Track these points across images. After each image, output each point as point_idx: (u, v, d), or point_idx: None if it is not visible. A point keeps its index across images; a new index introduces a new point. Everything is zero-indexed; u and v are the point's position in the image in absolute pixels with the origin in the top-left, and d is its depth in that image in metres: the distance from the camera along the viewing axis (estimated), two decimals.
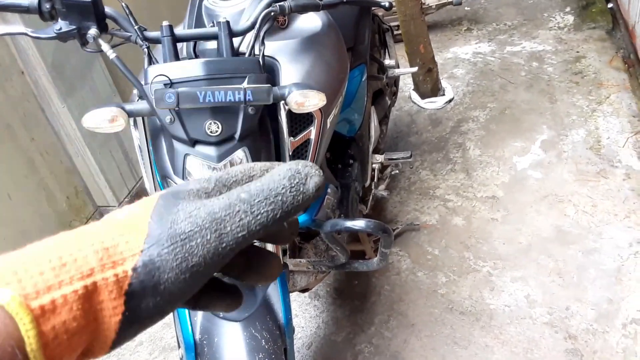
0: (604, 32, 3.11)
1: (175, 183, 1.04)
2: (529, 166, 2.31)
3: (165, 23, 1.08)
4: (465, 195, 2.23)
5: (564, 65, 2.93)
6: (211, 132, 1.00)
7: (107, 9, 1.09)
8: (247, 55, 1.10)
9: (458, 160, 2.44)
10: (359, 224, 1.20)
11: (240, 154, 1.03)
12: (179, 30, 1.11)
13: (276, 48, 1.21)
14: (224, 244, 0.32)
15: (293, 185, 0.33)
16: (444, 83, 2.94)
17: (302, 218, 1.23)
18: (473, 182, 2.29)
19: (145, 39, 1.09)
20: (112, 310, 0.30)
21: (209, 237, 0.31)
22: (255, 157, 1.05)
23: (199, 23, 1.28)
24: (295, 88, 1.05)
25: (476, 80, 2.98)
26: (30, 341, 0.26)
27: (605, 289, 1.74)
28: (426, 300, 1.84)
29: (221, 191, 0.35)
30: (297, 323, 1.86)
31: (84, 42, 1.08)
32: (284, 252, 1.49)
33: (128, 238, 0.31)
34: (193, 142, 1.01)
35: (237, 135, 1.01)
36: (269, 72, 1.15)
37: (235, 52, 1.12)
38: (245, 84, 1.00)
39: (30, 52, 1.92)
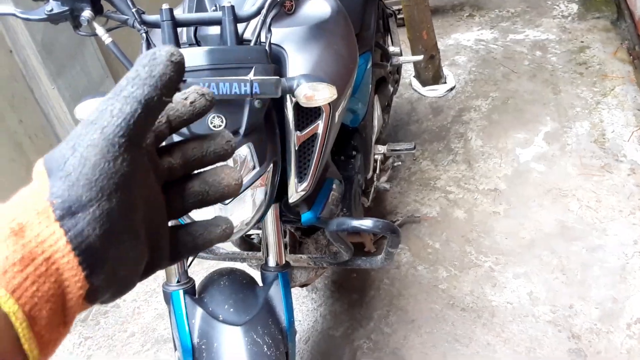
0: (609, 22, 3.04)
1: None
2: (532, 158, 2.26)
3: (165, 6, 1.00)
4: (467, 187, 2.19)
5: (567, 55, 2.87)
6: (214, 126, 0.93)
7: None
8: (252, 43, 1.03)
9: (459, 151, 2.38)
10: (366, 223, 1.15)
11: (244, 150, 0.96)
12: (180, 14, 1.03)
13: (283, 35, 1.14)
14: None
15: (147, 64, 0.33)
16: (446, 71, 2.87)
17: (306, 216, 1.18)
18: (475, 174, 2.24)
19: (144, 22, 1.02)
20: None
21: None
22: (260, 153, 0.99)
23: (200, 6, 1.20)
24: (305, 80, 0.98)
25: (478, 69, 2.91)
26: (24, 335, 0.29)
27: (609, 288, 1.71)
28: (427, 296, 1.80)
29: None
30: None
31: (76, 25, 1.01)
32: (285, 247, 1.44)
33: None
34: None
35: (241, 131, 0.95)
36: (275, 61, 1.08)
37: (240, 40, 1.05)
38: (251, 76, 0.93)
39: (19, 30, 1.83)
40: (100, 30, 1.00)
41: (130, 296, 2.02)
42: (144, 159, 0.34)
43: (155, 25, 1.03)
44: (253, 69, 0.94)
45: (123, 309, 1.99)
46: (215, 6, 1.15)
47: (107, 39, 1.00)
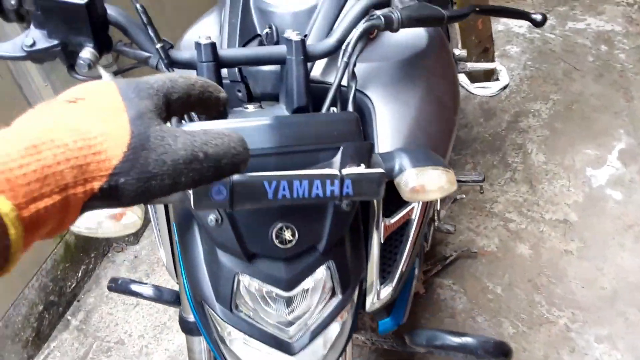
0: None
1: (218, 315, 0.65)
2: (606, 183, 1.94)
3: (203, 38, 0.66)
4: (531, 216, 1.87)
5: (637, 52, 2.51)
6: (281, 242, 0.61)
7: (112, 12, 0.67)
8: (331, 93, 0.69)
9: (518, 167, 2.05)
10: (470, 342, 0.84)
11: (320, 273, 0.64)
12: (225, 50, 0.69)
13: (364, 74, 0.81)
14: (175, 188, 0.36)
15: (235, 161, 0.38)
16: (498, 65, 2.50)
17: (385, 324, 0.87)
18: (539, 199, 1.92)
19: (172, 63, 0.68)
20: (72, 214, 0.33)
21: (166, 181, 0.35)
22: (343, 273, 0.67)
23: (246, 22, 0.86)
24: (410, 163, 0.66)
25: (534, 63, 2.55)
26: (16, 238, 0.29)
27: None
28: None
29: (166, 105, 0.39)
30: None
31: (72, 64, 0.67)
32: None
33: (100, 157, 0.33)
34: (250, 256, 0.62)
35: (320, 247, 0.63)
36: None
37: (308, 84, 0.72)
38: (338, 163, 0.60)
39: None
40: (106, 75, 0.66)
41: (137, 332, 1.73)
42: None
43: (188, 65, 0.69)
44: (340, 150, 0.61)
45: (129, 347, 1.70)
46: (270, 27, 0.81)
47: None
